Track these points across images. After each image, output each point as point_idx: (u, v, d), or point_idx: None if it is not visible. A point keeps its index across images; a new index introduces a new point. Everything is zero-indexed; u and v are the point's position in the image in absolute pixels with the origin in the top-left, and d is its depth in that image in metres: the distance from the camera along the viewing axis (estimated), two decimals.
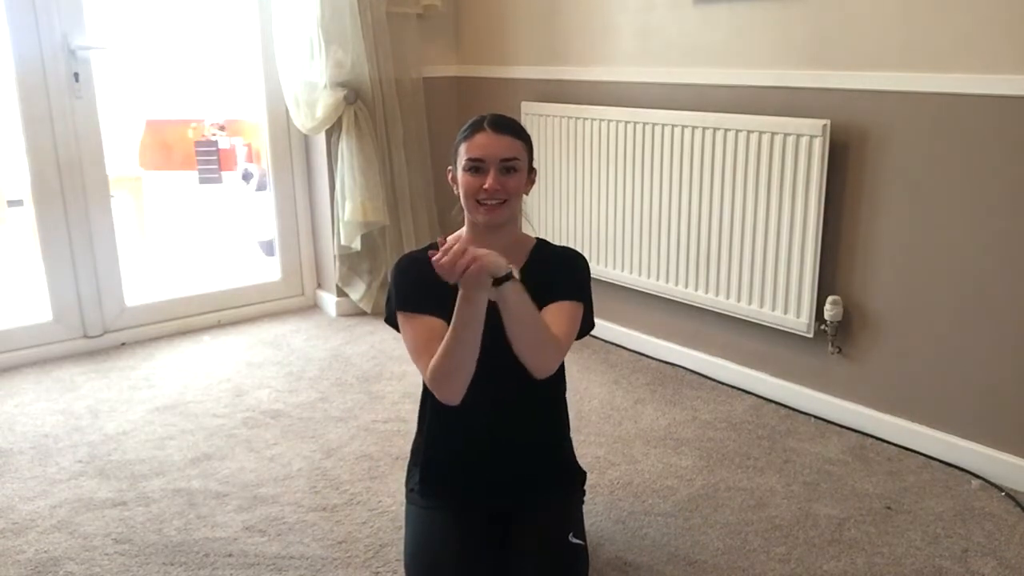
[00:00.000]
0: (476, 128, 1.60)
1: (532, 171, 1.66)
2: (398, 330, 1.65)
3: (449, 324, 1.52)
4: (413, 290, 1.62)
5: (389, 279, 1.70)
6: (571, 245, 3.08)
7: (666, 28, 2.74)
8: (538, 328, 1.52)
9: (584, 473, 1.85)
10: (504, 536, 1.60)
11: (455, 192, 1.65)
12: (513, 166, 1.59)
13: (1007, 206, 2.04)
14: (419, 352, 1.57)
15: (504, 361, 1.53)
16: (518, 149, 1.61)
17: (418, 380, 1.78)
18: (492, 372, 1.55)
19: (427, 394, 1.71)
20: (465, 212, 1.65)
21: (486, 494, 1.69)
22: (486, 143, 1.58)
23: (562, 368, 1.73)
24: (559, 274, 1.66)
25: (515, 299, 1.46)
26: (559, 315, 1.59)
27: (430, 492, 1.71)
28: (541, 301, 1.59)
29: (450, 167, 1.67)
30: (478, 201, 1.59)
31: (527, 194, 1.68)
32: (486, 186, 1.57)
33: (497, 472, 1.69)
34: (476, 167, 1.58)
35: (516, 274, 1.47)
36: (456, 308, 1.48)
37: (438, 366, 1.52)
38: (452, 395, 1.54)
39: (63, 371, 2.94)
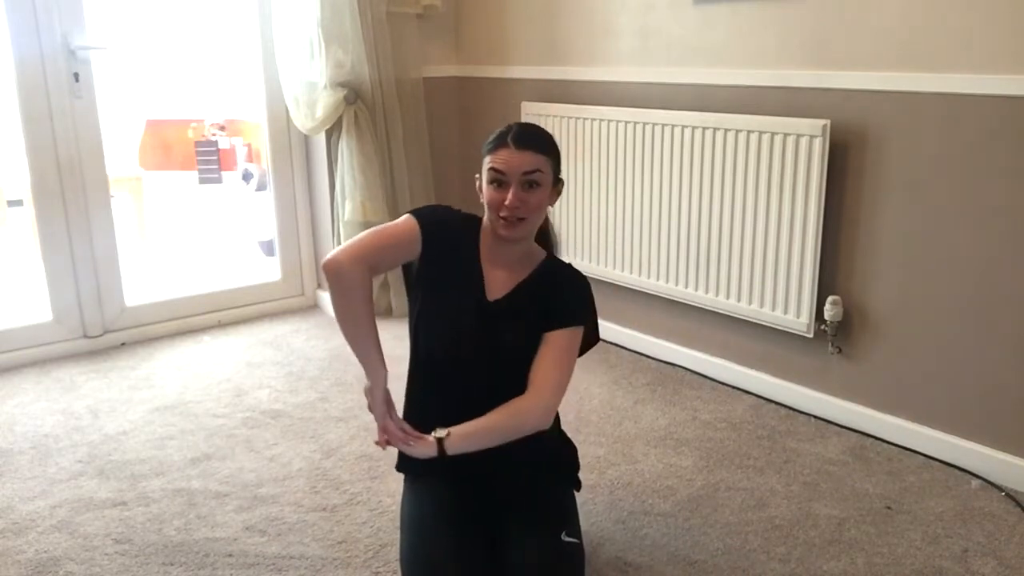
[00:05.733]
0: (500, 142, 1.58)
1: (559, 182, 1.64)
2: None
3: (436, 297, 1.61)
4: (437, 228, 1.64)
5: (441, 207, 1.73)
6: (571, 245, 3.10)
7: (666, 28, 2.74)
8: (506, 430, 1.57)
9: (575, 464, 1.84)
10: (498, 535, 1.60)
11: (481, 201, 1.64)
12: (535, 179, 1.57)
13: (1007, 206, 2.04)
14: (368, 239, 1.60)
15: (490, 356, 1.60)
16: (541, 163, 1.58)
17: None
18: (476, 366, 1.60)
19: (412, 382, 1.74)
20: (487, 213, 1.64)
21: (470, 477, 1.68)
22: (507, 158, 1.56)
23: None
24: (558, 297, 1.66)
25: (466, 443, 1.54)
26: (552, 354, 1.61)
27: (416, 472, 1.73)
28: (536, 319, 1.62)
29: (477, 175, 1.66)
30: (500, 216, 1.58)
31: (552, 205, 1.67)
32: (507, 202, 1.56)
33: (480, 462, 1.68)
34: (498, 180, 1.57)
35: (441, 432, 1.54)
36: (374, 367, 1.63)
37: (341, 282, 1.58)
38: (326, 276, 1.60)
39: (63, 371, 2.94)
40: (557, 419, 1.82)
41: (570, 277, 1.71)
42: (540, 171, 1.58)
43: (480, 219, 1.69)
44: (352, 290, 1.58)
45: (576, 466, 1.85)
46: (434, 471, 1.70)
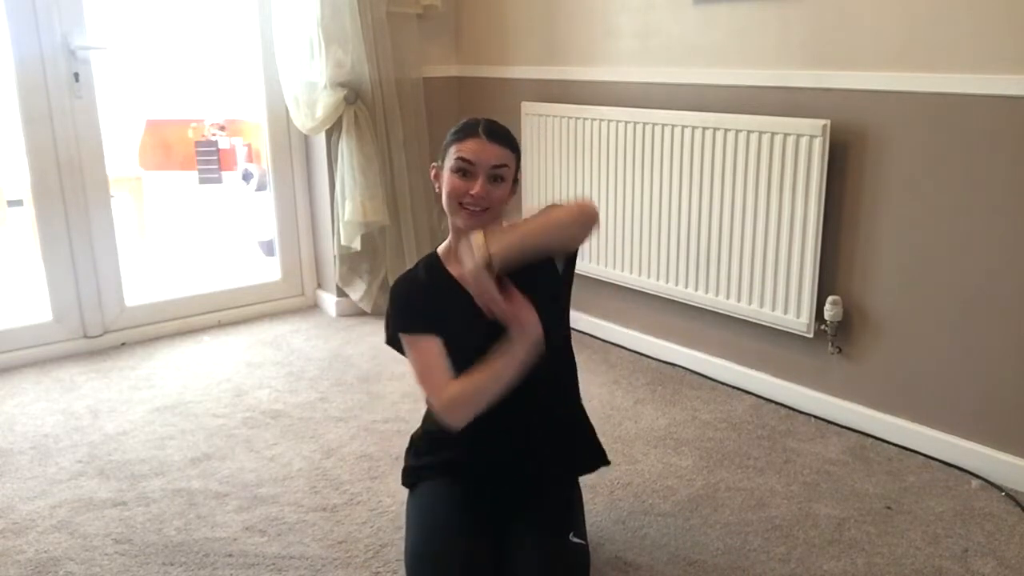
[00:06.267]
0: (470, 132, 1.60)
1: (516, 182, 1.66)
2: (401, 351, 1.66)
3: (443, 340, 1.58)
4: (412, 312, 1.64)
5: (388, 301, 1.71)
6: None
7: (666, 28, 2.74)
8: (562, 226, 1.51)
9: (602, 453, 1.86)
10: (506, 535, 1.60)
11: (436, 190, 1.65)
12: (501, 175, 1.59)
13: (1007, 206, 2.04)
14: (427, 375, 1.59)
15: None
16: (508, 158, 1.60)
17: None
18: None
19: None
20: (447, 213, 1.65)
21: (494, 472, 1.69)
22: (478, 149, 1.57)
23: (571, 349, 1.79)
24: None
25: (523, 247, 1.45)
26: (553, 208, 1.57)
27: (434, 468, 1.73)
28: (531, 288, 1.60)
29: (435, 163, 1.67)
30: (460, 204, 1.59)
31: (508, 203, 1.67)
32: (473, 192, 1.57)
33: (508, 454, 1.69)
34: (464, 169, 1.58)
35: (485, 246, 1.42)
36: (503, 357, 1.49)
37: (460, 396, 1.52)
38: (461, 422, 1.54)
39: (63, 371, 2.94)
40: (582, 409, 1.85)
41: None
42: (507, 166, 1.60)
43: (433, 252, 1.72)
44: (475, 395, 1.53)
45: (598, 449, 1.85)
46: (447, 470, 1.71)
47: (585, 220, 1.54)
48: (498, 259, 1.43)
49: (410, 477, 1.78)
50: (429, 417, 1.78)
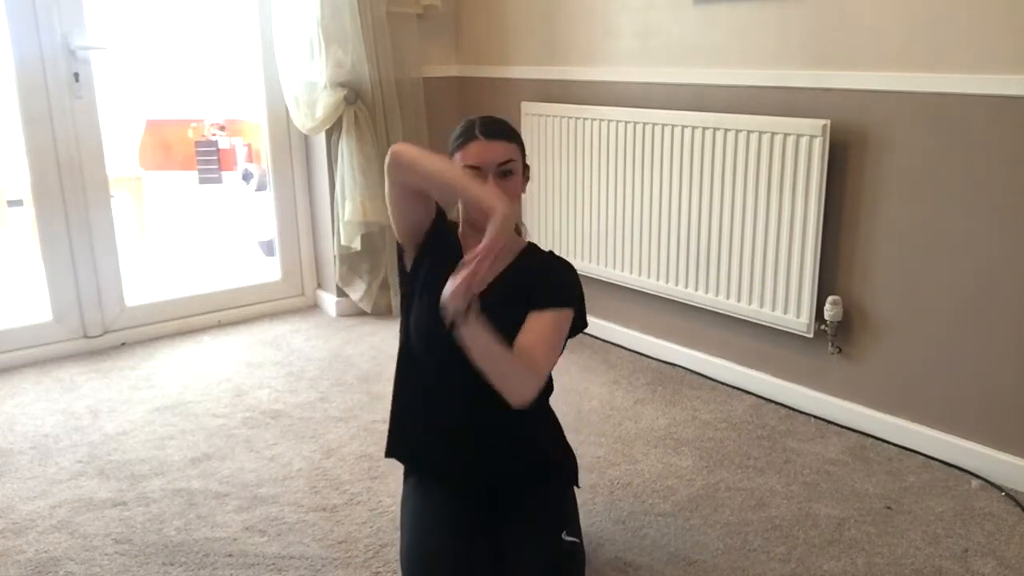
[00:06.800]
0: (468, 136, 1.60)
1: (526, 169, 1.67)
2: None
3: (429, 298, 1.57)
4: (442, 218, 1.66)
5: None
6: (571, 245, 3.10)
7: (666, 28, 2.74)
8: (499, 360, 1.46)
9: (572, 462, 1.82)
10: (499, 535, 1.60)
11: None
12: (510, 169, 1.60)
13: (1007, 206, 2.04)
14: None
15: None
16: (512, 151, 1.61)
17: None
18: (466, 358, 1.58)
19: (401, 371, 1.74)
20: (462, 217, 1.66)
21: (463, 474, 1.70)
22: (480, 151, 1.58)
23: (550, 380, 1.75)
24: (543, 280, 1.65)
25: (473, 341, 1.42)
26: (539, 327, 1.56)
27: (418, 468, 1.74)
28: (522, 305, 1.60)
29: None
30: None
31: (523, 192, 1.69)
32: None
33: (471, 454, 1.69)
34: (473, 174, 1.58)
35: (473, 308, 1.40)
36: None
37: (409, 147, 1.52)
38: (396, 155, 1.54)
39: (63, 371, 2.94)
40: (559, 427, 1.82)
41: (554, 264, 1.72)
42: (513, 159, 1.60)
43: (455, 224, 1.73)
44: (417, 154, 1.52)
45: (574, 476, 1.83)
46: (431, 472, 1.72)
47: (521, 381, 1.49)
48: (465, 327, 1.39)
49: (398, 456, 1.80)
50: (396, 401, 1.77)
